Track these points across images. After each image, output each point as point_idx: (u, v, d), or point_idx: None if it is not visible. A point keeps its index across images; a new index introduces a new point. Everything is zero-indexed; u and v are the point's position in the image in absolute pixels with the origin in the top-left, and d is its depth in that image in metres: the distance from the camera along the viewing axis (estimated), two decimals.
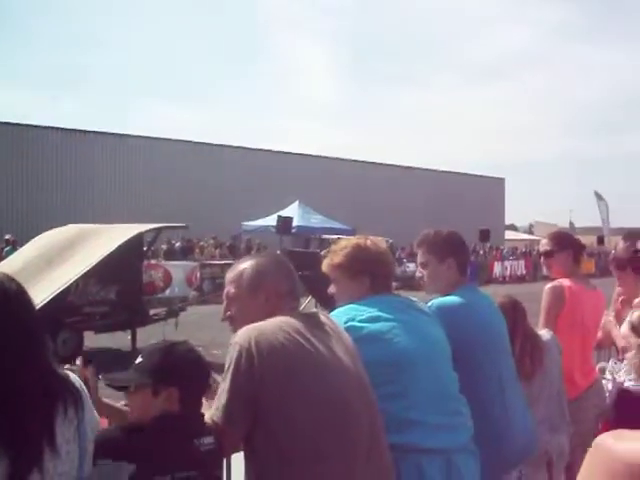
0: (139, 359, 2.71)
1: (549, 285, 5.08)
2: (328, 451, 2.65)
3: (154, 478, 2.42)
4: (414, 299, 3.62)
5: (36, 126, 39.77)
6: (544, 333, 4.70)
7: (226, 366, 2.71)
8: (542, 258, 5.30)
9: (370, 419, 2.82)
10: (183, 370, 2.64)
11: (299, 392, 2.66)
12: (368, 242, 3.53)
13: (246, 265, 3.02)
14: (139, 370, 2.67)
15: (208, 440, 2.59)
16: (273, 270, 3.01)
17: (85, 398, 2.37)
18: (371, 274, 3.45)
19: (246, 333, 2.72)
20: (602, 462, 1.55)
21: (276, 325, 2.79)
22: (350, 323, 3.19)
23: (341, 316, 3.26)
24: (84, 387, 2.42)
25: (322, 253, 3.71)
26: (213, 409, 2.73)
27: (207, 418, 2.73)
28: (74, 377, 2.40)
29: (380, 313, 3.27)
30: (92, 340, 15.05)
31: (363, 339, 3.10)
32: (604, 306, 5.27)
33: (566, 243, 5.24)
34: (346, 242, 3.58)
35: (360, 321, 3.22)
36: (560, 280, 5.12)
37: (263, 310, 2.88)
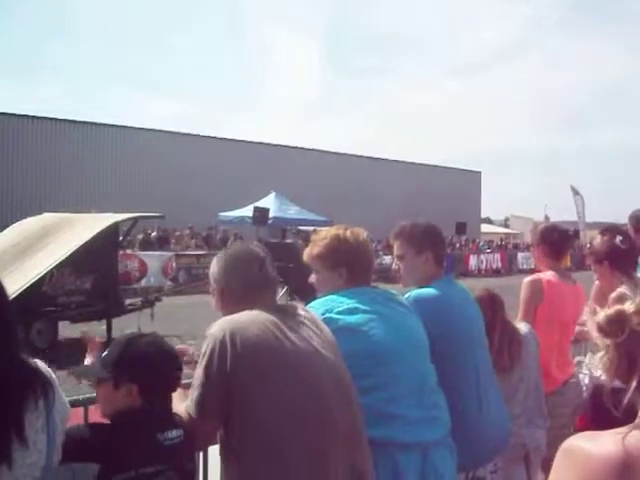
0: (105, 352, 2.71)
1: (528, 278, 5.10)
2: (299, 448, 2.64)
3: (117, 475, 2.41)
4: (393, 291, 3.62)
5: (12, 114, 39.37)
6: (522, 326, 4.71)
7: (200, 358, 2.70)
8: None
9: (348, 414, 2.81)
10: (142, 364, 2.63)
11: (272, 387, 2.65)
12: (347, 233, 3.48)
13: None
14: (102, 364, 2.68)
15: (173, 434, 2.60)
16: None
17: (55, 387, 2.34)
18: (348, 266, 3.43)
19: (221, 326, 2.72)
20: (578, 463, 1.58)
21: (252, 318, 2.77)
22: (327, 315, 3.18)
23: (319, 307, 3.25)
24: (54, 376, 2.39)
25: (302, 243, 3.68)
26: (188, 401, 2.74)
27: (182, 410, 2.73)
28: (43, 366, 2.37)
29: (358, 305, 3.26)
30: (67, 330, 14.95)
31: (340, 331, 3.08)
32: (584, 301, 5.29)
33: (543, 237, 5.26)
34: (325, 233, 3.54)
35: (338, 313, 3.21)
36: (540, 274, 5.14)
37: None
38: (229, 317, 2.78)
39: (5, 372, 2.17)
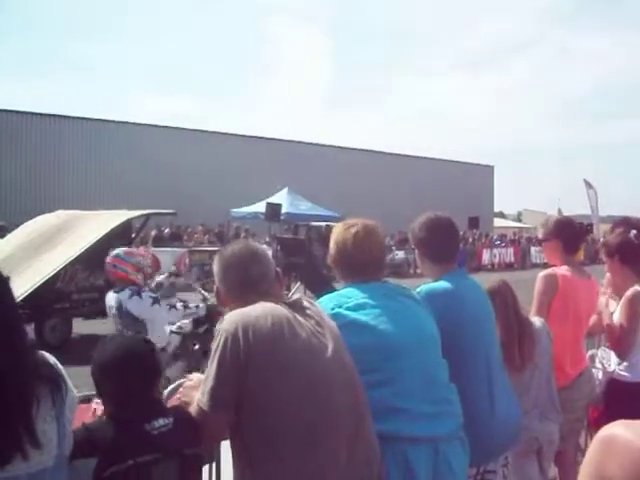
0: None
1: (543, 273, 5.09)
2: (308, 440, 2.66)
3: (115, 466, 2.51)
4: (404, 286, 3.61)
5: (17, 112, 39.45)
6: (535, 320, 4.71)
7: (212, 351, 2.73)
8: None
9: (354, 408, 2.82)
10: (113, 370, 2.75)
11: (283, 379, 2.67)
12: (350, 233, 3.50)
13: None
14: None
15: (160, 422, 2.68)
16: None
17: (66, 379, 2.43)
18: (349, 265, 3.48)
19: (232, 319, 2.75)
20: (618, 453, 1.55)
21: (262, 311, 2.80)
22: (337, 310, 3.20)
23: (328, 303, 3.27)
24: (59, 364, 2.46)
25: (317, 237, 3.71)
26: (199, 394, 2.77)
27: (194, 403, 2.81)
28: (53, 360, 2.45)
29: (367, 300, 3.27)
30: (81, 326, 15.00)
31: (349, 326, 3.10)
32: (598, 296, 5.27)
33: (557, 231, 5.23)
34: (334, 236, 3.55)
35: (347, 308, 3.22)
36: (555, 268, 5.12)
37: None
38: (239, 310, 2.80)
39: (14, 366, 2.23)
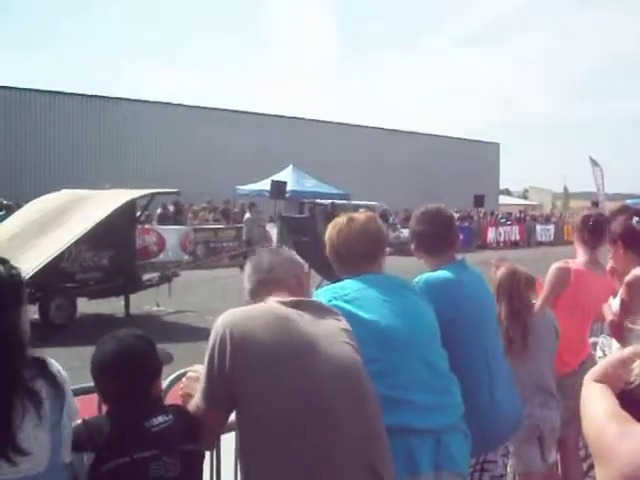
0: None
1: (556, 265, 5.12)
2: (298, 445, 2.62)
3: (113, 461, 2.53)
4: (402, 277, 3.60)
5: (21, 88, 39.40)
6: (544, 311, 4.77)
7: (206, 351, 2.77)
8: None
9: (359, 411, 2.76)
10: (113, 368, 2.76)
11: (272, 384, 2.65)
12: (335, 229, 3.57)
13: None
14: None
15: (159, 419, 2.70)
16: None
17: (66, 388, 2.47)
18: (340, 261, 3.54)
19: (224, 319, 2.77)
20: None
21: (258, 312, 2.84)
22: (333, 302, 3.20)
23: (325, 295, 3.29)
24: (62, 373, 2.49)
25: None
26: (197, 391, 2.83)
27: (193, 400, 2.87)
28: (56, 367, 2.48)
29: (363, 292, 3.27)
30: (85, 306, 15.05)
31: (346, 318, 3.07)
32: (610, 291, 5.26)
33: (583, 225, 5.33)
34: (326, 233, 3.62)
35: (344, 300, 3.22)
36: (569, 261, 5.15)
37: None
38: (232, 310, 2.83)
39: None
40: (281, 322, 2.78)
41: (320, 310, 2.95)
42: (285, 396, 2.65)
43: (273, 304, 2.89)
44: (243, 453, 2.77)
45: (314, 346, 2.75)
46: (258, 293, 3.06)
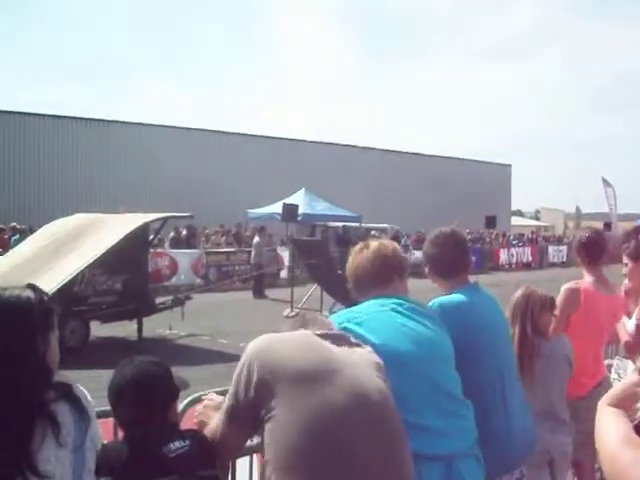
0: None
1: (566, 286, 5.12)
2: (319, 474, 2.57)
3: None
4: (417, 300, 3.58)
5: (22, 113, 39.52)
6: (555, 334, 4.78)
7: (235, 370, 2.79)
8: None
9: (380, 441, 2.67)
10: (127, 394, 2.79)
11: (295, 413, 2.61)
12: (352, 255, 3.64)
13: None
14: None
15: (177, 445, 2.71)
16: None
17: (91, 413, 2.50)
18: (360, 283, 3.57)
19: (256, 344, 2.81)
20: None
21: (291, 337, 2.87)
22: (345, 324, 3.20)
23: (339, 318, 3.31)
24: (88, 397, 2.53)
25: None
26: (221, 410, 2.86)
27: (211, 424, 2.91)
28: (81, 392, 2.52)
29: (378, 315, 3.27)
30: (99, 329, 15.08)
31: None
32: (620, 311, 5.25)
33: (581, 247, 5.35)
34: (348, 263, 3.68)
35: (355, 323, 3.22)
36: (579, 282, 5.14)
37: None
38: (266, 336, 2.87)
39: (11, 401, 2.33)
40: (311, 347, 2.79)
41: (350, 342, 2.93)
42: (308, 430, 2.58)
43: (307, 332, 2.91)
44: (269, 473, 2.67)
45: (339, 372, 2.72)
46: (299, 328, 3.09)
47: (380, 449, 2.64)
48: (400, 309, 3.35)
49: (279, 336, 2.88)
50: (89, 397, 2.54)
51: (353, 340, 2.97)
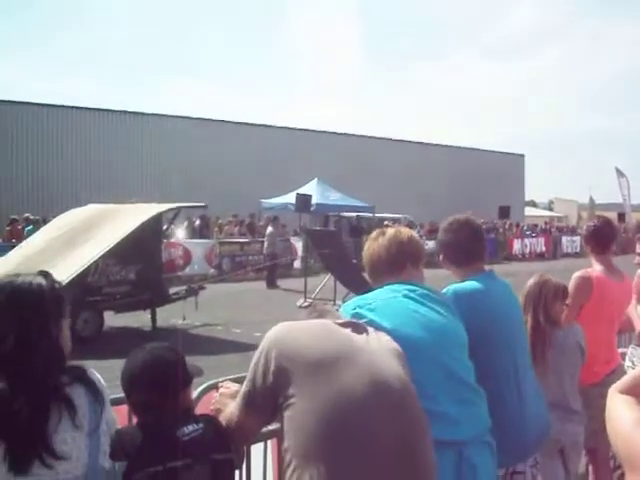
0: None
1: (577, 274, 5.12)
2: (337, 458, 2.53)
3: (146, 470, 2.57)
4: (430, 287, 3.56)
5: (36, 104, 39.56)
6: (568, 322, 4.77)
7: (254, 356, 2.79)
8: None
9: (398, 425, 2.65)
10: (140, 379, 2.82)
11: (314, 401, 2.59)
12: (368, 241, 3.64)
13: None
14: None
15: (190, 428, 2.74)
16: None
17: (104, 392, 2.53)
18: (375, 270, 3.57)
19: (274, 332, 2.81)
20: None
21: (309, 325, 2.89)
22: (357, 310, 3.20)
23: (352, 304, 3.30)
24: (102, 382, 2.56)
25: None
26: (238, 395, 2.87)
27: (226, 411, 2.94)
28: (93, 372, 2.56)
29: (391, 301, 3.25)
30: (113, 319, 15.14)
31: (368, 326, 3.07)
32: (630, 297, 5.26)
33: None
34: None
35: (367, 309, 3.20)
36: (589, 270, 5.13)
37: None
38: (285, 324, 2.87)
39: (28, 386, 2.36)
40: (330, 335, 2.79)
41: (370, 330, 2.93)
42: (322, 411, 2.57)
43: (326, 321, 2.92)
44: (287, 460, 2.64)
45: (358, 359, 2.71)
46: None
47: (401, 436, 2.62)
48: (413, 295, 3.32)
49: (298, 324, 2.89)
50: (102, 381, 2.56)
51: (372, 328, 2.97)
